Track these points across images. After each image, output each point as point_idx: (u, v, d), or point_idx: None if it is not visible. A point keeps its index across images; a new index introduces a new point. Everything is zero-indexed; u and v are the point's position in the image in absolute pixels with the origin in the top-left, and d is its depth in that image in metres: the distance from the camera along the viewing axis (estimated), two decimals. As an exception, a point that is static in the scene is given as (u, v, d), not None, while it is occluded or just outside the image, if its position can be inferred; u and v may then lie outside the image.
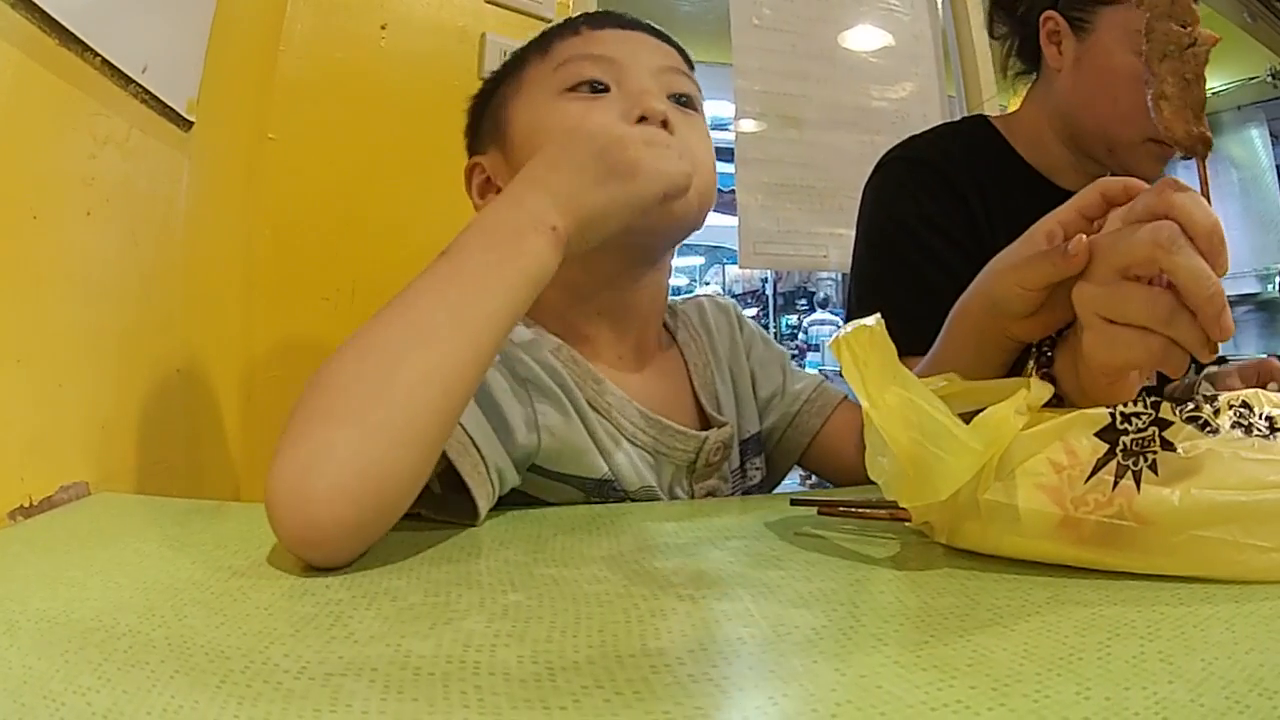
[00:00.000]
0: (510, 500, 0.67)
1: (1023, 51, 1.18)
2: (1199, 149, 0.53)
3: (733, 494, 0.84)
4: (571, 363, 0.75)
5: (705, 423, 0.83)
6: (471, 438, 0.61)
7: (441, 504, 0.61)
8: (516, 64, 0.84)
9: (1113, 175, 1.18)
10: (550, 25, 0.86)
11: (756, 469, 0.88)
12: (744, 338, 0.94)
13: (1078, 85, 1.07)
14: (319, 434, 0.49)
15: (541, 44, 0.82)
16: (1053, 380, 0.55)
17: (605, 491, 0.72)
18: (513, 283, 0.58)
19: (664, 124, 0.75)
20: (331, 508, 0.47)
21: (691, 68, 0.85)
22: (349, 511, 0.47)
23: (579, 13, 0.87)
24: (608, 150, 0.62)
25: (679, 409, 0.82)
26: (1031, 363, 0.60)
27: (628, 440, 0.74)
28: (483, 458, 0.62)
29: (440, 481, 0.61)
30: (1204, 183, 0.54)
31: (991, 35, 1.25)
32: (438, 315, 0.55)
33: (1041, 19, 1.10)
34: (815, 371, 1.00)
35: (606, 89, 0.78)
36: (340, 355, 0.53)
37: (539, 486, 0.71)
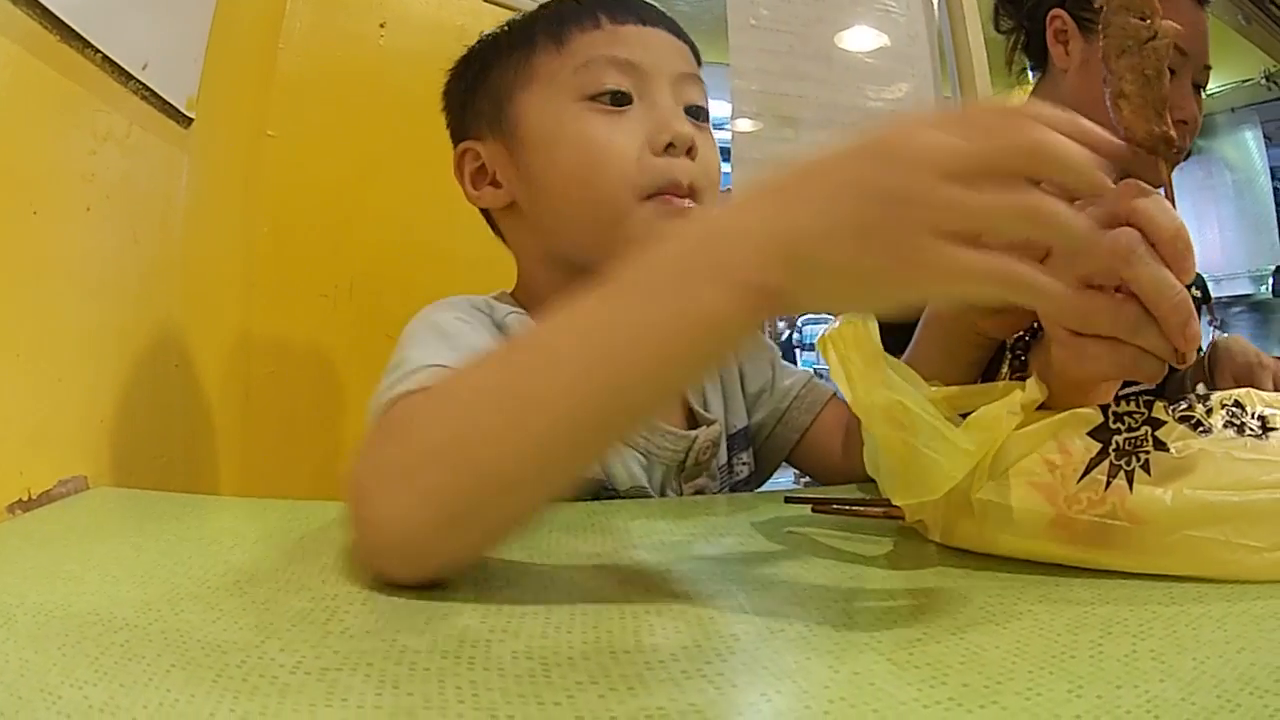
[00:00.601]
0: None
1: (1029, 48, 1.16)
2: (1161, 149, 0.51)
3: (720, 490, 0.83)
4: None
5: (693, 421, 0.83)
6: None
7: None
8: (523, 46, 0.77)
9: (1121, 177, 1.18)
10: (561, 4, 0.78)
11: (744, 464, 0.88)
12: None
13: (1085, 87, 1.06)
14: (403, 496, 0.43)
15: (555, 31, 0.76)
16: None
17: (596, 490, 0.72)
18: (668, 354, 0.42)
19: (690, 152, 0.73)
20: (407, 570, 0.45)
21: (700, 64, 0.82)
22: (430, 571, 0.45)
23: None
24: (891, 207, 0.39)
25: (668, 409, 0.81)
26: (1005, 366, 0.59)
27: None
28: None
29: None
30: (1168, 185, 0.53)
31: (997, 29, 1.24)
32: (541, 385, 0.43)
33: (1049, 18, 1.09)
34: (809, 370, 0.99)
35: (629, 99, 0.73)
36: (432, 413, 0.46)
37: None
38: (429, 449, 0.44)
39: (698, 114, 0.78)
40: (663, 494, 0.77)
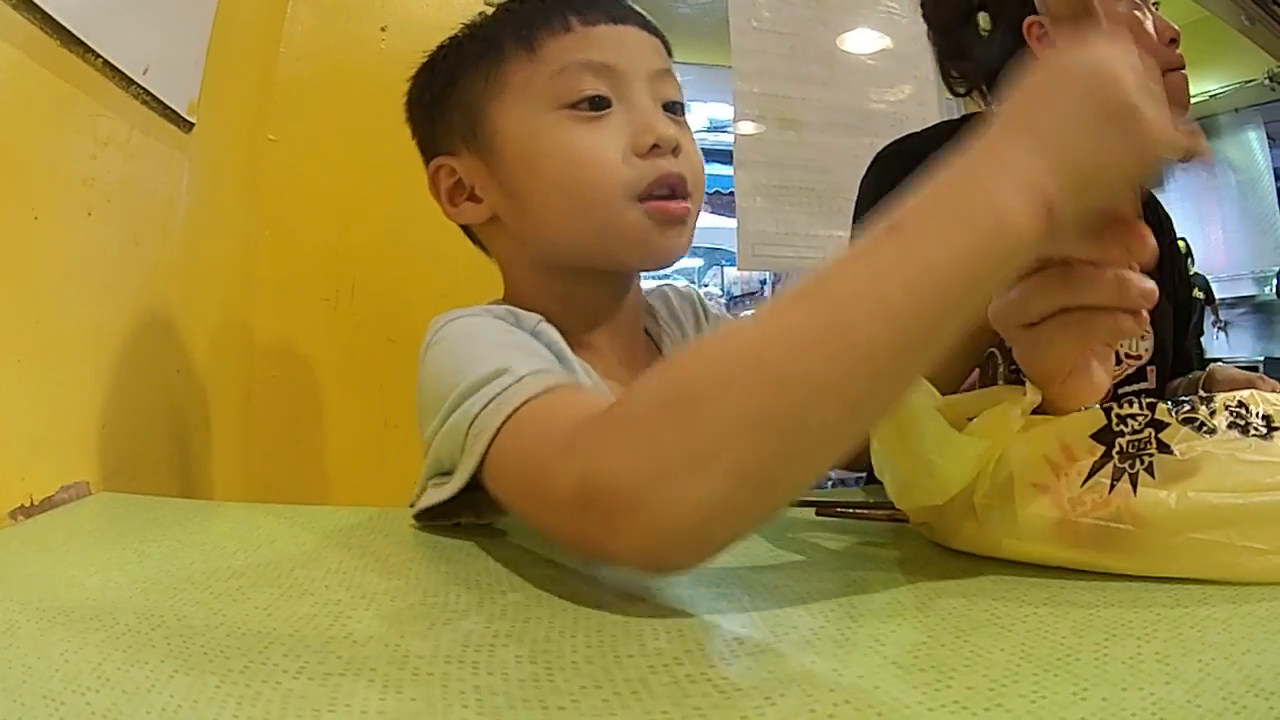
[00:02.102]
0: None
1: (994, 87, 1.16)
2: (1080, 11, 0.49)
3: None
4: (585, 371, 0.72)
5: None
6: None
7: (475, 506, 0.59)
8: (491, 53, 0.74)
9: None
10: (525, 6, 0.75)
11: None
12: (710, 322, 0.92)
13: None
14: (701, 483, 0.40)
15: (524, 36, 0.73)
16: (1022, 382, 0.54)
17: None
18: (978, 278, 0.42)
19: (675, 150, 0.72)
20: (698, 557, 0.43)
21: (671, 56, 0.79)
22: (724, 548, 0.43)
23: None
24: (1102, 88, 0.45)
25: None
26: (1002, 366, 0.59)
27: None
28: None
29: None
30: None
31: (953, 92, 1.23)
32: (872, 333, 0.40)
33: (1026, 26, 1.09)
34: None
35: (608, 103, 0.72)
36: (727, 384, 0.41)
37: None
38: (738, 422, 0.40)
39: (675, 109, 0.76)
40: None
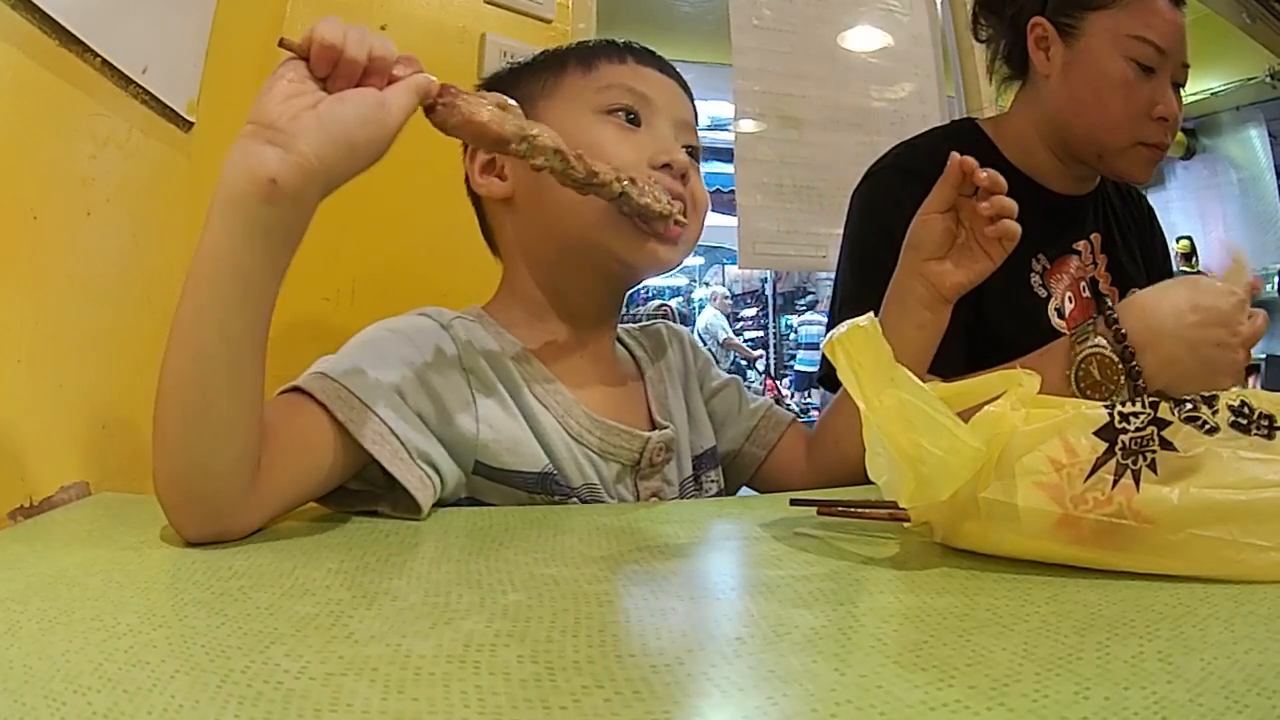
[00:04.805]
0: (459, 504, 0.69)
1: (1010, 56, 1.17)
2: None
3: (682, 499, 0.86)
4: (525, 362, 0.78)
5: (654, 428, 0.86)
6: (390, 427, 0.65)
7: (396, 501, 0.65)
8: (554, 67, 0.85)
9: (1102, 179, 1.17)
10: (595, 41, 0.88)
11: (713, 481, 0.91)
12: (698, 363, 0.99)
13: (1067, 92, 1.07)
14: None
15: (586, 58, 0.85)
16: None
17: (549, 487, 0.73)
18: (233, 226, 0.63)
19: (683, 177, 0.81)
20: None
21: (697, 120, 0.91)
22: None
23: (621, 39, 0.88)
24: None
25: (629, 414, 0.84)
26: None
27: (573, 439, 0.76)
28: (402, 444, 0.65)
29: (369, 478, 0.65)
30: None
31: (976, 37, 1.24)
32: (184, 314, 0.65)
33: (1029, 25, 1.09)
34: (769, 399, 1.03)
35: (640, 123, 0.82)
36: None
37: (482, 489, 0.73)
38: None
39: (692, 154, 0.85)
40: (615, 494, 0.79)
